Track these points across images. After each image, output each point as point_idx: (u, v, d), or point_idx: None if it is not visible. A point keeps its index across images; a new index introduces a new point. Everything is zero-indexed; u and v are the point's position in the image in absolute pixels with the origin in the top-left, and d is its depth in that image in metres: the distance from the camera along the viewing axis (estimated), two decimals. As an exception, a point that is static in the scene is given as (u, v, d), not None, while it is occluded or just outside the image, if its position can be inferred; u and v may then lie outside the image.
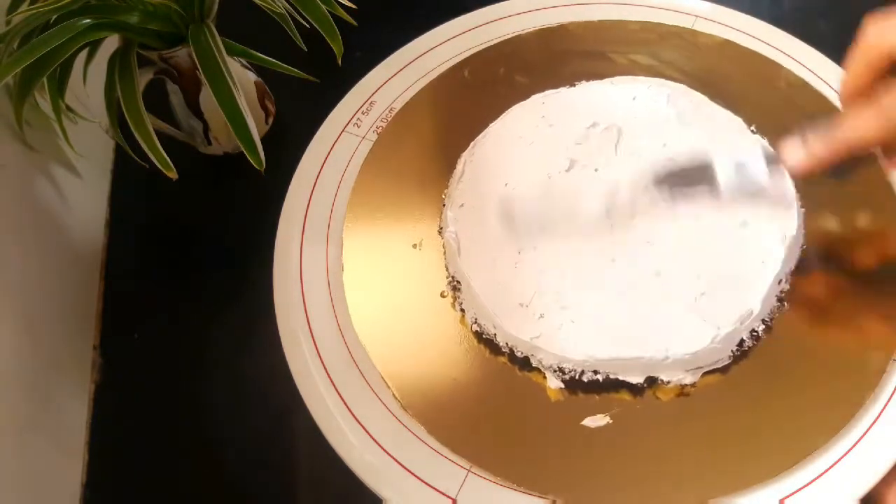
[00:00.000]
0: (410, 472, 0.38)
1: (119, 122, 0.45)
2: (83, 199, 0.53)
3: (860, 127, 0.31)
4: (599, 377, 0.38)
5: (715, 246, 0.39)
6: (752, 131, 0.43)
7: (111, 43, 0.45)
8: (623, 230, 0.40)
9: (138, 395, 0.48)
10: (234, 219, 0.54)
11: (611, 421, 0.37)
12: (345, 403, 0.40)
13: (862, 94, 0.32)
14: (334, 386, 0.41)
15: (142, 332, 0.50)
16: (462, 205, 0.42)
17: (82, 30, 0.41)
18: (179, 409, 0.47)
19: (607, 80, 0.46)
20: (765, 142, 0.43)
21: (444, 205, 0.44)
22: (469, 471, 0.38)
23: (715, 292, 0.38)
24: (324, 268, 0.44)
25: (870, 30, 0.31)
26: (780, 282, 0.39)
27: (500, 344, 0.39)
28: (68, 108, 0.45)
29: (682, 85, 0.45)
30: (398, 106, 0.48)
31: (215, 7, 0.45)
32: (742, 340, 0.38)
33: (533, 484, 0.36)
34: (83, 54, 0.44)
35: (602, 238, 0.40)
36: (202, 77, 0.43)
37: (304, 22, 0.45)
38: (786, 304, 0.40)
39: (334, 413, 0.40)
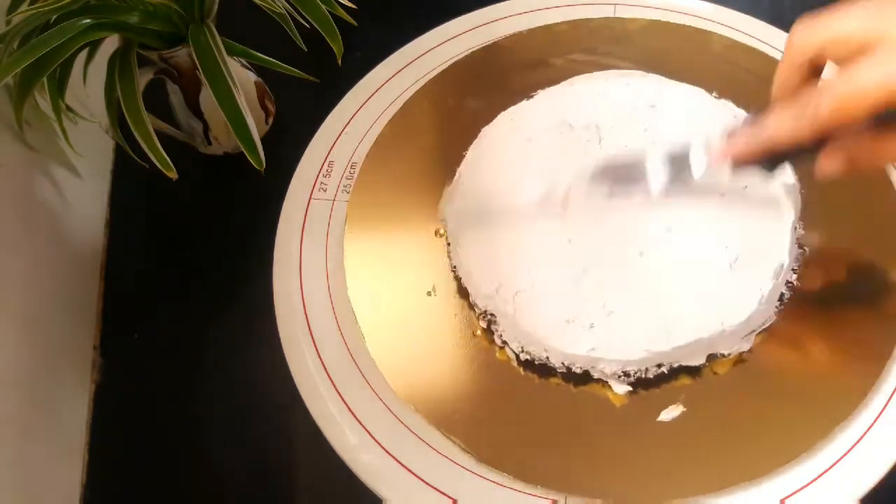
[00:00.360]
0: (411, 471, 0.38)
1: (119, 122, 0.45)
2: (83, 199, 0.53)
3: (777, 123, 0.31)
4: (664, 369, 0.38)
5: (728, 215, 0.39)
6: (716, 97, 0.44)
7: (111, 43, 0.45)
8: (638, 223, 0.40)
9: (138, 395, 0.48)
10: (234, 219, 0.54)
11: (684, 409, 0.37)
12: (345, 403, 0.40)
13: (790, 96, 0.32)
14: (334, 386, 0.41)
15: (142, 332, 0.50)
16: (470, 241, 0.41)
17: (82, 30, 0.41)
18: (179, 409, 0.47)
19: (564, 83, 0.46)
20: (730, 104, 0.43)
21: (447, 243, 0.43)
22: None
23: (746, 256, 0.38)
24: (324, 268, 0.44)
25: (795, 33, 0.31)
26: (795, 229, 0.40)
27: (555, 365, 0.38)
28: (68, 108, 0.45)
29: (637, 71, 0.46)
30: (360, 161, 0.47)
31: (215, 7, 0.45)
32: (782, 294, 0.39)
33: (624, 497, 0.36)
34: (83, 54, 0.44)
35: (621, 235, 0.40)
36: (202, 77, 0.43)
37: (304, 22, 0.45)
38: (806, 249, 0.40)
39: (334, 413, 0.40)
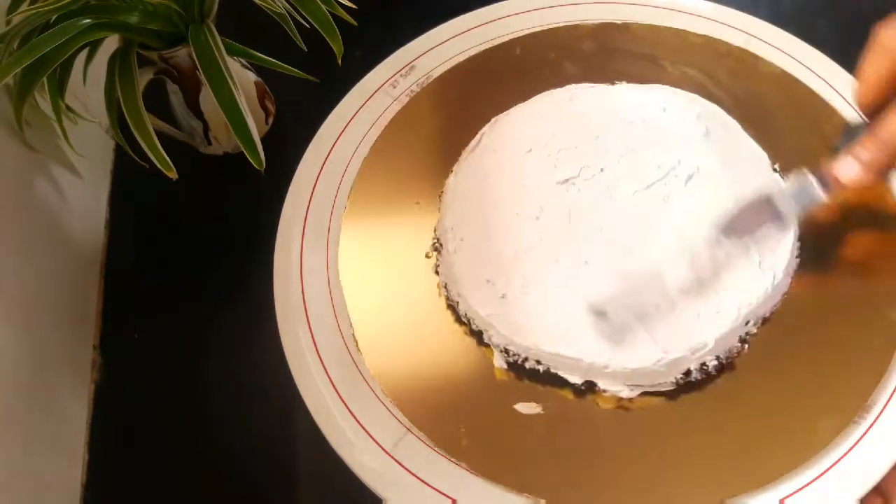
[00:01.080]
0: (410, 472, 0.38)
1: (119, 122, 0.45)
2: (83, 199, 0.53)
3: None
4: (540, 368, 0.38)
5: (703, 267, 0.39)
6: (775, 170, 0.43)
7: (111, 43, 0.45)
8: (606, 235, 0.40)
9: (138, 395, 0.48)
10: (234, 219, 0.54)
11: (542, 412, 0.38)
12: (345, 403, 0.40)
13: (879, 99, 0.31)
14: (334, 386, 0.41)
15: (142, 332, 0.50)
16: (468, 175, 0.43)
17: (82, 30, 0.41)
18: (179, 409, 0.47)
19: (646, 86, 0.46)
20: (781, 182, 0.41)
21: (452, 171, 0.45)
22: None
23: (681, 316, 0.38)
24: (324, 268, 0.44)
25: (882, 35, 0.31)
26: (747, 323, 0.38)
27: (461, 314, 0.40)
28: (68, 108, 0.45)
29: (717, 107, 0.45)
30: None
31: (215, 7, 0.45)
32: (689, 370, 0.38)
33: (454, 453, 0.38)
34: (83, 54, 0.44)
35: (583, 235, 0.40)
36: (202, 77, 0.43)
37: (304, 22, 0.45)
38: (747, 346, 0.39)
39: (334, 413, 0.40)
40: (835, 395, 0.38)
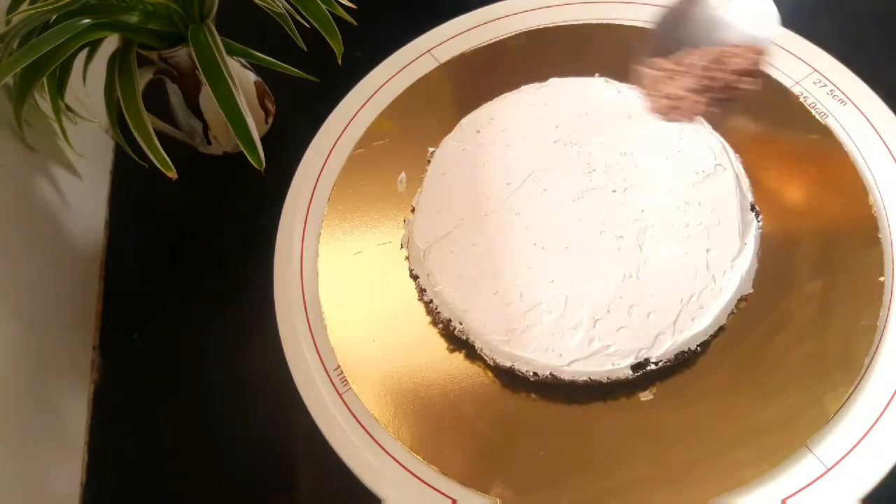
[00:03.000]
0: (410, 472, 0.38)
1: (119, 122, 0.45)
2: (83, 199, 0.53)
3: None
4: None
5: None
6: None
7: (111, 43, 0.45)
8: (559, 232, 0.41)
9: (138, 395, 0.48)
10: (234, 218, 0.54)
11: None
12: (345, 403, 0.40)
13: None
14: (334, 386, 0.41)
15: (142, 332, 0.50)
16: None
17: (82, 30, 0.41)
18: (179, 409, 0.47)
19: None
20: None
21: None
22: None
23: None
24: (324, 268, 0.44)
25: None
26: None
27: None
28: (68, 108, 0.45)
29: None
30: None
31: (215, 7, 0.45)
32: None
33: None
34: (83, 54, 0.44)
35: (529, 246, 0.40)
36: (202, 77, 0.43)
37: (304, 22, 0.45)
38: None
39: (334, 413, 0.40)
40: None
